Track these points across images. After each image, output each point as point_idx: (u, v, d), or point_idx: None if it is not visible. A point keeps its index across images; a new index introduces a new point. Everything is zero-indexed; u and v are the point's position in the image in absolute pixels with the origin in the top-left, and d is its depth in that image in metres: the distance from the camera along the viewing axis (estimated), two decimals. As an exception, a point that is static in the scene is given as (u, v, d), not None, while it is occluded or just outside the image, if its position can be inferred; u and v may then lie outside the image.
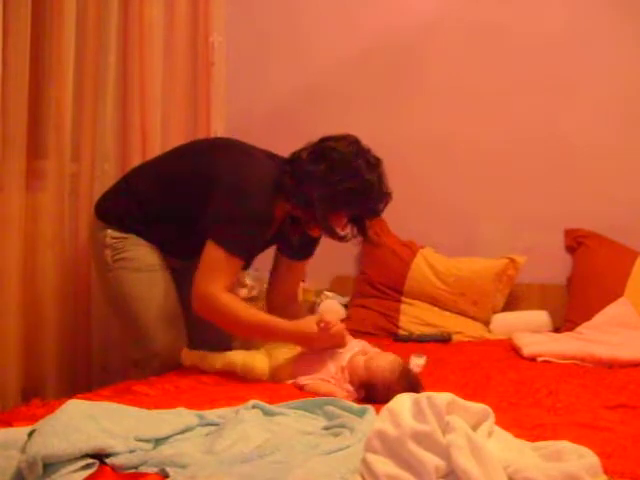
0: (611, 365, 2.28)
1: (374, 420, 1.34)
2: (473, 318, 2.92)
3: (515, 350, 2.51)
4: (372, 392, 1.80)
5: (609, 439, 1.46)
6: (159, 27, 2.73)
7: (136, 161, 2.58)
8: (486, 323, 2.91)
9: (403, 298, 2.97)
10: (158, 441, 1.35)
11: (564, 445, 1.22)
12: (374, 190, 2.06)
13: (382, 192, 2.08)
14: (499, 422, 1.26)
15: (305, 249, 2.34)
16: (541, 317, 2.86)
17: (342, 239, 2.13)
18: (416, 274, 2.98)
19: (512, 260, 2.96)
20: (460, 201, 3.16)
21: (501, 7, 3.10)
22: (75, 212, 2.51)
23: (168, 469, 1.23)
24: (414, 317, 2.91)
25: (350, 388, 1.86)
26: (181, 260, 2.25)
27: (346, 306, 3.04)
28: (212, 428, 1.44)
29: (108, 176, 2.55)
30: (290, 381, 1.95)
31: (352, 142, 2.08)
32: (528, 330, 2.70)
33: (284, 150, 2.17)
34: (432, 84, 3.19)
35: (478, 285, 2.93)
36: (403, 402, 1.19)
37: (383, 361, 1.85)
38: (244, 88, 3.26)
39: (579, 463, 1.14)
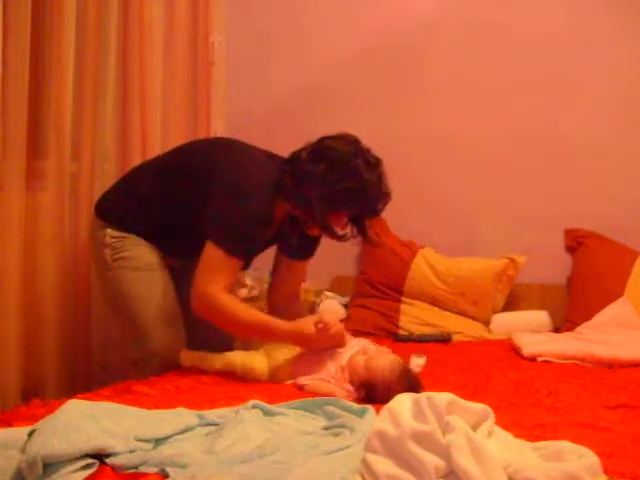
0: (611, 365, 2.28)
1: (374, 420, 1.34)
2: (473, 318, 2.92)
3: (515, 350, 2.51)
4: (372, 392, 1.80)
5: (609, 439, 1.46)
6: (159, 27, 2.73)
7: (136, 161, 2.58)
8: (486, 323, 2.91)
9: (403, 298, 2.97)
10: (158, 441, 1.35)
11: (564, 445, 1.22)
12: (373, 190, 2.06)
13: (381, 192, 2.08)
14: (499, 422, 1.26)
15: (306, 249, 2.34)
16: (541, 317, 2.86)
17: (341, 238, 2.13)
18: (416, 274, 2.98)
19: (512, 260, 2.96)
20: (460, 201, 3.16)
21: (501, 7, 3.10)
22: (75, 212, 2.51)
23: (168, 469, 1.23)
24: (414, 317, 2.91)
25: (350, 388, 1.86)
26: (181, 260, 2.25)
27: (346, 306, 3.04)
28: (212, 428, 1.44)
29: (108, 176, 2.55)
30: (290, 381, 1.95)
31: (351, 142, 2.08)
32: (528, 330, 2.70)
33: (284, 150, 2.17)
34: (432, 84, 3.19)
35: (478, 285, 2.93)
36: (403, 402, 1.19)
37: (383, 361, 1.85)
38: (244, 88, 3.26)
39: (579, 463, 1.14)
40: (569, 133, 3.03)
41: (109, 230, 2.21)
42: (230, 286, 2.07)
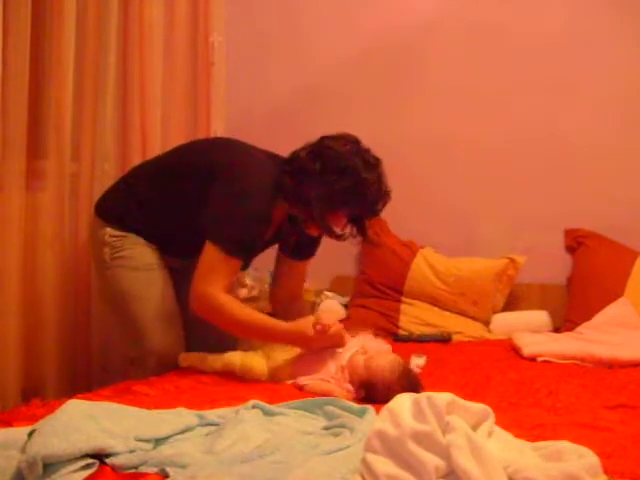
0: (611, 365, 2.28)
1: (374, 420, 1.34)
2: (473, 318, 2.92)
3: (515, 350, 2.51)
4: (372, 392, 1.79)
5: (609, 439, 1.46)
6: (159, 27, 2.73)
7: (136, 161, 2.58)
8: (486, 323, 2.91)
9: (403, 298, 2.97)
10: (158, 441, 1.35)
11: (564, 445, 1.22)
12: (372, 190, 2.05)
13: (380, 192, 2.08)
14: (499, 422, 1.26)
15: (306, 249, 2.34)
16: (541, 317, 2.86)
17: (340, 238, 2.13)
18: (416, 274, 2.98)
19: (512, 260, 2.96)
20: (460, 201, 3.16)
21: (501, 7, 3.10)
22: (75, 212, 2.51)
23: (168, 469, 1.23)
24: (414, 317, 2.91)
25: (350, 388, 1.85)
26: (180, 259, 2.25)
27: (346, 306, 3.04)
28: (212, 428, 1.44)
29: (108, 176, 2.55)
30: (290, 381, 1.95)
31: (350, 141, 2.08)
32: (528, 330, 2.70)
33: (284, 150, 2.17)
34: (432, 84, 3.19)
35: (478, 285, 2.93)
36: (403, 402, 1.19)
37: (383, 361, 1.85)
38: (244, 88, 3.26)
39: (579, 463, 1.14)
40: (569, 133, 3.03)
41: (109, 229, 2.21)
42: (230, 286, 2.07)
